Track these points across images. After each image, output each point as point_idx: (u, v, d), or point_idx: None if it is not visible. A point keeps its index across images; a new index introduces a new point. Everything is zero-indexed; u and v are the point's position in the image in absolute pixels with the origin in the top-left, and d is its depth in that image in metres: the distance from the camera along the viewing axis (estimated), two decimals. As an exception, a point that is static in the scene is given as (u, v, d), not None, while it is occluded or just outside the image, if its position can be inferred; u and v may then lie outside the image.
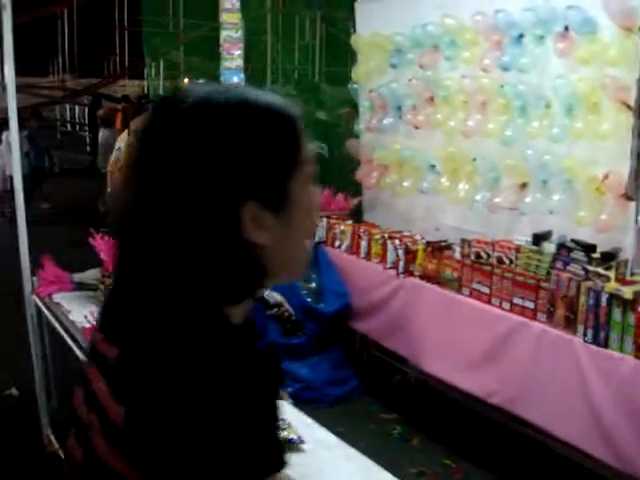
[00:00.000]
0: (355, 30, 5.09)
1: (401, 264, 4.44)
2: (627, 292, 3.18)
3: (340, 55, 5.12)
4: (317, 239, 4.92)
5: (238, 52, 4.65)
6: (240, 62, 4.69)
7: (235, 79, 4.66)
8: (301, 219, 1.04)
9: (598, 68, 3.48)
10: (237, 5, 4.59)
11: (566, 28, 3.59)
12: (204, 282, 0.97)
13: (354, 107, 5.27)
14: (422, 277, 4.31)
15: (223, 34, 4.59)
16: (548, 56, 3.75)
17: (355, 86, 5.15)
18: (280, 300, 2.91)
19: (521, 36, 3.87)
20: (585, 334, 3.35)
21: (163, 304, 0.97)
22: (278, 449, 0.97)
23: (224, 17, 4.56)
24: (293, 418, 2.43)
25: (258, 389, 0.94)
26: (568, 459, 3.52)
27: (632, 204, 3.39)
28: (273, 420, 0.99)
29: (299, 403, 2.75)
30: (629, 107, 3.33)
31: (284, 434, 2.25)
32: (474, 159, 4.21)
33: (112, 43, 19.59)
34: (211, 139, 0.95)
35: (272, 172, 0.98)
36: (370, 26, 4.94)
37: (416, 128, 4.63)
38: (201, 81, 4.72)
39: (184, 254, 0.96)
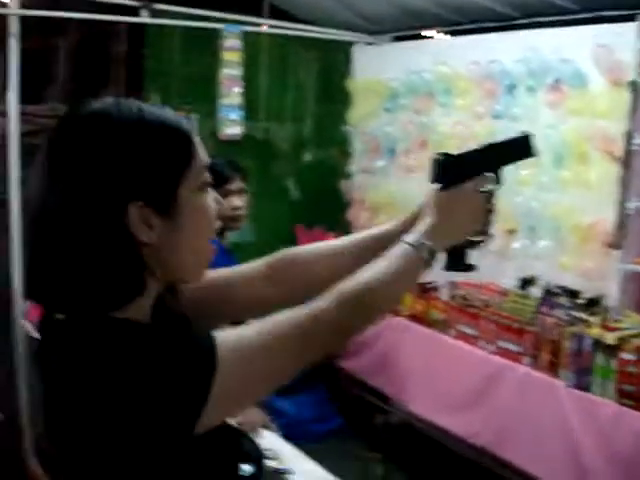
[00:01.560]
0: (351, 73, 5.21)
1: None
2: (610, 338, 3.26)
3: (335, 96, 5.22)
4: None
5: (237, 89, 4.73)
6: (239, 99, 4.77)
7: (233, 116, 4.74)
8: (191, 223, 1.13)
9: (587, 119, 3.58)
10: (238, 45, 4.69)
11: (557, 80, 3.72)
12: (96, 275, 1.06)
13: (347, 148, 5.36)
14: (409, 317, 4.37)
15: (223, 71, 4.67)
16: (539, 106, 3.86)
17: (349, 128, 5.26)
18: None
19: (513, 86, 3.99)
20: (568, 378, 3.41)
21: (60, 301, 1.09)
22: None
23: (225, 55, 4.66)
24: (281, 449, 2.46)
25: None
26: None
27: (616, 252, 3.47)
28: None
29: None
30: (616, 158, 3.43)
31: (273, 464, 2.29)
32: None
33: (107, 75, 19.66)
34: (101, 145, 1.06)
35: (158, 177, 1.09)
36: (366, 70, 5.06)
37: (408, 171, 4.72)
38: (195, 116, 4.74)
39: (76, 250, 1.06)
